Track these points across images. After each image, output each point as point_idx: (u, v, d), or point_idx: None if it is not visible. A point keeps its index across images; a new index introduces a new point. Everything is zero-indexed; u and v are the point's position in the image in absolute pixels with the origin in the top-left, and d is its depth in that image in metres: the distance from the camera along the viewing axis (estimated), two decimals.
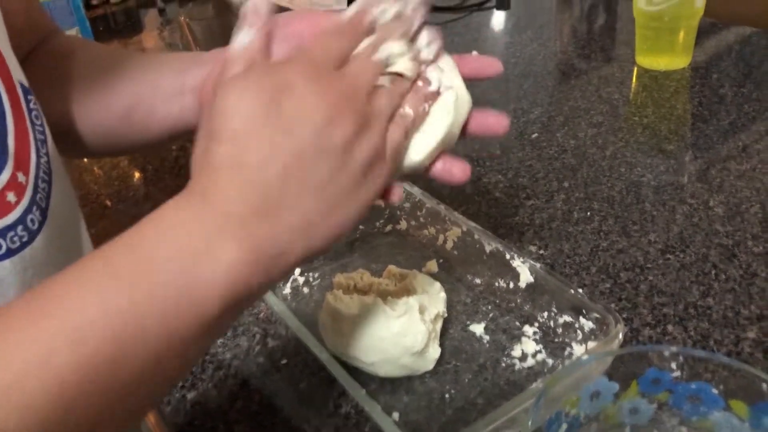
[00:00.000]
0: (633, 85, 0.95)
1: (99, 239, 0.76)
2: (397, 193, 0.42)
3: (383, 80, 0.40)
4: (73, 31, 1.12)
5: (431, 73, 0.42)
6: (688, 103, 0.88)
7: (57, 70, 0.52)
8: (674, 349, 0.43)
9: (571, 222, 0.69)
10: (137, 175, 0.90)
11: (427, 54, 0.42)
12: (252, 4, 0.39)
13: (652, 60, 0.96)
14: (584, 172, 0.77)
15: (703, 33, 0.95)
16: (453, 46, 1.14)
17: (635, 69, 0.97)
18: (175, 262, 0.31)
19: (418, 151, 0.41)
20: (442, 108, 0.42)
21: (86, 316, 0.29)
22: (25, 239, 0.40)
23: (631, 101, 0.90)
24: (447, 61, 0.43)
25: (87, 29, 1.15)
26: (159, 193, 0.84)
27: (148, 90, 0.50)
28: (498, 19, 1.25)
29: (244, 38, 0.38)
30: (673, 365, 0.43)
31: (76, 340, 0.28)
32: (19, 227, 0.40)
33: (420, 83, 0.41)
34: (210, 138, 0.35)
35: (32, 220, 0.41)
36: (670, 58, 0.95)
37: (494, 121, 0.45)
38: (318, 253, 0.36)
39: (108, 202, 0.85)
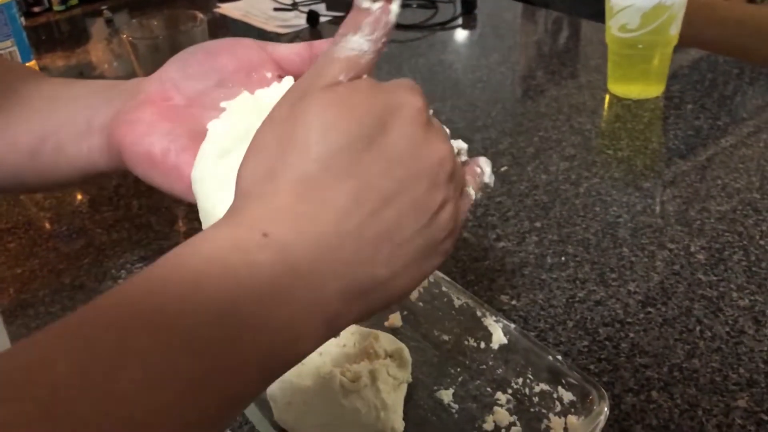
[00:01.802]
0: (605, 114, 0.90)
1: (24, 282, 0.69)
2: None
3: None
4: (7, 44, 1.03)
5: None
6: (662, 135, 0.84)
7: None
8: None
9: (544, 268, 0.64)
10: (72, 206, 0.82)
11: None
12: (380, 7, 0.30)
13: (624, 88, 0.92)
14: (557, 210, 0.72)
15: (674, 59, 0.92)
16: (417, 67, 1.09)
17: (607, 97, 0.93)
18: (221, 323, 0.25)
19: None
20: None
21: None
22: None
23: (604, 132, 0.86)
24: None
25: (23, 41, 1.06)
26: (95, 226, 0.76)
27: (56, 126, 0.43)
28: (463, 38, 1.20)
29: (358, 42, 0.30)
30: None
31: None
32: None
33: (470, 164, 0.38)
34: (292, 143, 0.27)
35: None
36: (644, 87, 0.91)
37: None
38: (368, 317, 0.30)
39: (36, 233, 0.77)
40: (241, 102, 0.37)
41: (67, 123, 0.43)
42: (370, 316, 0.30)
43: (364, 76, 0.30)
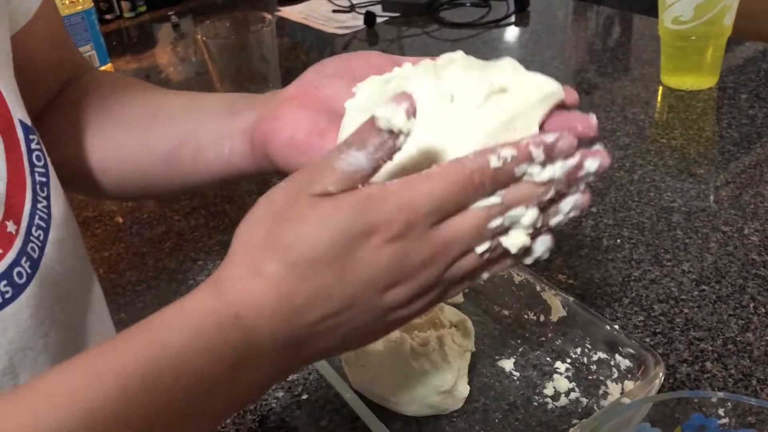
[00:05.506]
0: (659, 105, 0.92)
1: (112, 264, 0.74)
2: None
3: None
4: (87, 48, 1.11)
5: (540, 244, 0.36)
6: (716, 124, 0.86)
7: (87, 109, 0.50)
8: (721, 395, 0.41)
9: (600, 249, 0.67)
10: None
11: (555, 222, 0.36)
12: (391, 134, 0.31)
13: (678, 79, 0.93)
14: (612, 196, 0.74)
15: (728, 51, 0.93)
16: None
17: (660, 88, 0.95)
18: (201, 383, 0.31)
19: None
20: None
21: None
22: (8, 295, 0.37)
23: (657, 122, 0.88)
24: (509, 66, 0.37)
25: (101, 46, 1.14)
26: (173, 213, 0.82)
27: (195, 130, 0.47)
28: (516, 35, 1.23)
29: (357, 158, 0.31)
30: (721, 411, 0.41)
31: None
32: (2, 282, 0.37)
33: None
34: (274, 241, 0.31)
35: (19, 273, 0.38)
36: (697, 78, 0.92)
37: (581, 123, 0.36)
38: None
39: (120, 220, 0.83)
40: (370, 82, 0.40)
41: (206, 128, 0.46)
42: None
43: (358, 187, 0.31)
